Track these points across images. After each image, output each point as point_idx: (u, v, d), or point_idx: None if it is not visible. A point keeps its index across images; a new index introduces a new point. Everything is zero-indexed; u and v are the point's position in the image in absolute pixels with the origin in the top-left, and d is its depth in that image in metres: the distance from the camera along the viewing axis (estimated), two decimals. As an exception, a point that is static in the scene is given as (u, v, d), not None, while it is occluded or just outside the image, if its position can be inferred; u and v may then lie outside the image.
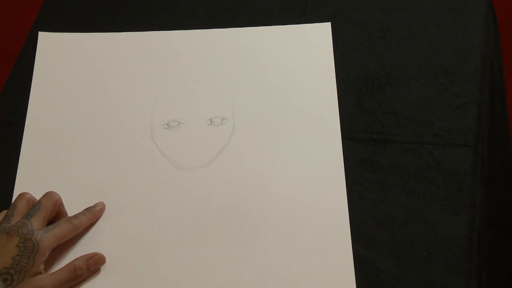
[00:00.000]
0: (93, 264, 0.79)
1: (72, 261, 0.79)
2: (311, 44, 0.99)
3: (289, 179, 0.86)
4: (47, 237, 0.77)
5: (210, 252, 0.80)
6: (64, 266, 0.78)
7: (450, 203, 0.83)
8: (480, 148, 0.88)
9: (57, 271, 0.78)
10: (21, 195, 0.82)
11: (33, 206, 0.80)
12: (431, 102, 0.92)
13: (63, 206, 0.83)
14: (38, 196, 0.82)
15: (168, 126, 0.92)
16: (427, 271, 0.78)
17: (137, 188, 0.86)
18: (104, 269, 0.80)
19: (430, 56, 0.96)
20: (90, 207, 0.84)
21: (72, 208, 0.83)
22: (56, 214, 0.82)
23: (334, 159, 0.87)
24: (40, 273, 0.76)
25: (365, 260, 0.79)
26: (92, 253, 0.80)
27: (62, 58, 1.00)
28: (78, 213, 0.83)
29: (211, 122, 0.92)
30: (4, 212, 0.81)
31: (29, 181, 0.87)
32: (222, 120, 0.92)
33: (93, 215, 0.83)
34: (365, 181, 0.85)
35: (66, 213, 0.83)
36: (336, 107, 0.92)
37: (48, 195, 0.82)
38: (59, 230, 0.79)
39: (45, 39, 1.02)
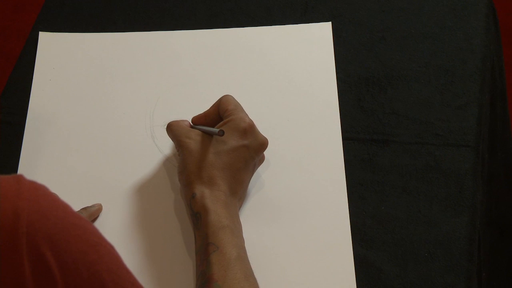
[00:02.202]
0: None
1: None
2: (312, 44, 0.99)
3: (290, 179, 0.86)
4: None
5: (210, 253, 0.80)
6: None
7: (451, 203, 0.83)
8: (480, 149, 0.88)
9: None
10: None
11: None
12: (432, 102, 0.92)
13: None
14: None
15: (168, 126, 0.91)
16: (428, 272, 0.78)
17: (137, 188, 0.86)
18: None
19: (431, 56, 0.96)
20: (87, 206, 0.84)
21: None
22: None
23: (334, 160, 0.87)
24: None
25: (366, 261, 0.79)
26: None
27: (63, 58, 1.00)
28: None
29: (211, 122, 0.91)
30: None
31: (29, 181, 0.87)
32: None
33: (89, 214, 0.83)
34: (366, 182, 0.85)
35: None
36: (337, 108, 0.92)
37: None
38: None
39: (45, 39, 1.01)
